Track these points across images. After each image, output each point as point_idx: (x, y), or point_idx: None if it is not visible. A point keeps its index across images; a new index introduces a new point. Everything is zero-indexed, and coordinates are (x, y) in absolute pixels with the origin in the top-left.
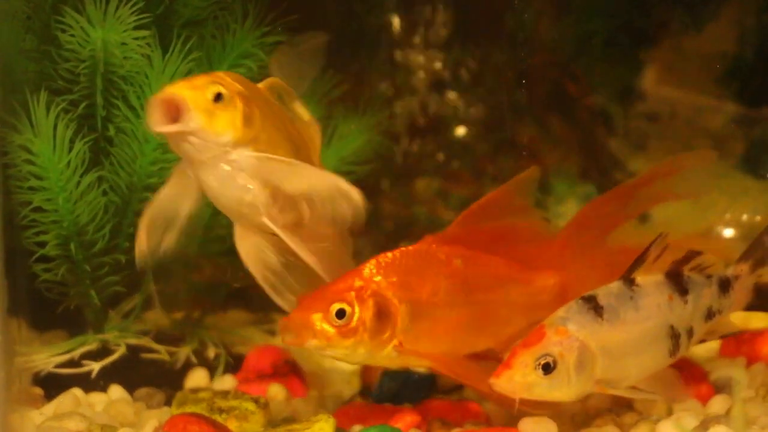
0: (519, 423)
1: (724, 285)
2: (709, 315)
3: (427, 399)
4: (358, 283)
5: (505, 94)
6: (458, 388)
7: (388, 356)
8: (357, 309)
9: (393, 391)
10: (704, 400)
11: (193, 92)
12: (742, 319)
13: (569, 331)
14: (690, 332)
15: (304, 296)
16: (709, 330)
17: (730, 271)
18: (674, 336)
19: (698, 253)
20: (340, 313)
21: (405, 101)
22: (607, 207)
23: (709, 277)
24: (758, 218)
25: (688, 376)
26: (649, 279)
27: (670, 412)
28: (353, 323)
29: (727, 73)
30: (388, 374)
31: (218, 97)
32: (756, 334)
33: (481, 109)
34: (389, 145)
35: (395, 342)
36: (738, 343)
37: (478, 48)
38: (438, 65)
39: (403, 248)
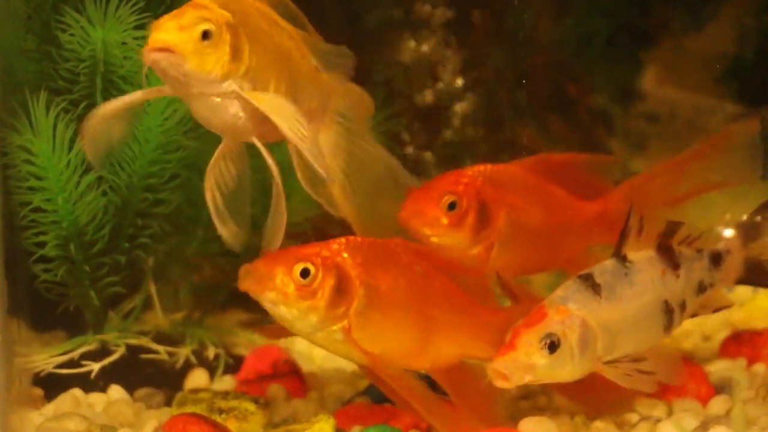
0: (519, 423)
1: (716, 259)
2: (701, 289)
3: None
4: (325, 252)
5: (505, 94)
6: None
7: (331, 336)
8: (321, 274)
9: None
10: (704, 400)
11: (180, 34)
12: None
13: (570, 310)
14: (683, 306)
15: (273, 250)
16: (702, 304)
17: (721, 245)
18: (668, 311)
19: (679, 224)
20: (304, 273)
21: (403, 101)
22: (659, 179)
23: (700, 251)
24: (758, 219)
25: (689, 376)
26: (642, 255)
27: (670, 413)
28: (314, 285)
29: (727, 73)
30: None
31: (205, 35)
32: (756, 334)
33: (481, 109)
34: (389, 145)
35: (345, 323)
36: (738, 344)
37: (477, 48)
38: (437, 65)
39: (372, 239)
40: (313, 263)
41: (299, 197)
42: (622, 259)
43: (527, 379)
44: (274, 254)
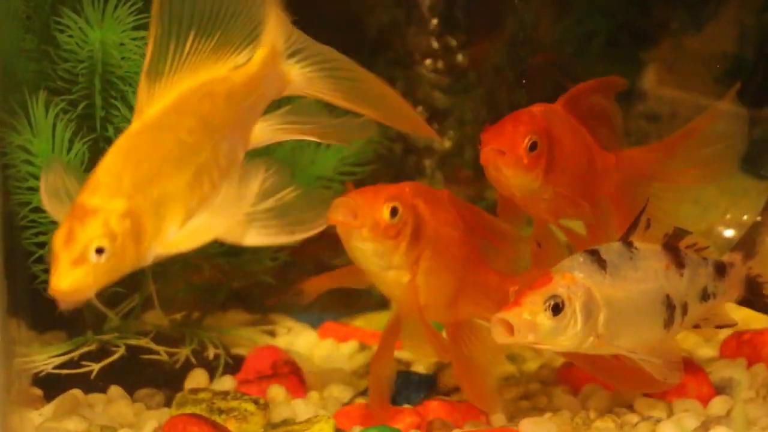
0: (519, 423)
1: (720, 269)
2: (705, 296)
3: (427, 399)
4: (405, 194)
5: (505, 94)
6: (458, 388)
7: (400, 277)
8: (405, 214)
9: (393, 391)
10: (705, 400)
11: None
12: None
13: (576, 278)
14: (685, 307)
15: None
16: (705, 315)
17: (726, 258)
18: (670, 306)
19: (687, 232)
20: (394, 211)
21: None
22: (652, 153)
23: (705, 258)
24: (759, 219)
25: (689, 376)
26: (647, 245)
27: (670, 413)
28: (399, 225)
29: (727, 73)
30: None
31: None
32: (756, 335)
33: (481, 108)
34: (389, 146)
35: (415, 265)
36: (738, 344)
37: (477, 48)
38: (437, 65)
39: (428, 187)
40: (401, 203)
41: None
42: (629, 244)
43: (530, 338)
44: (364, 191)
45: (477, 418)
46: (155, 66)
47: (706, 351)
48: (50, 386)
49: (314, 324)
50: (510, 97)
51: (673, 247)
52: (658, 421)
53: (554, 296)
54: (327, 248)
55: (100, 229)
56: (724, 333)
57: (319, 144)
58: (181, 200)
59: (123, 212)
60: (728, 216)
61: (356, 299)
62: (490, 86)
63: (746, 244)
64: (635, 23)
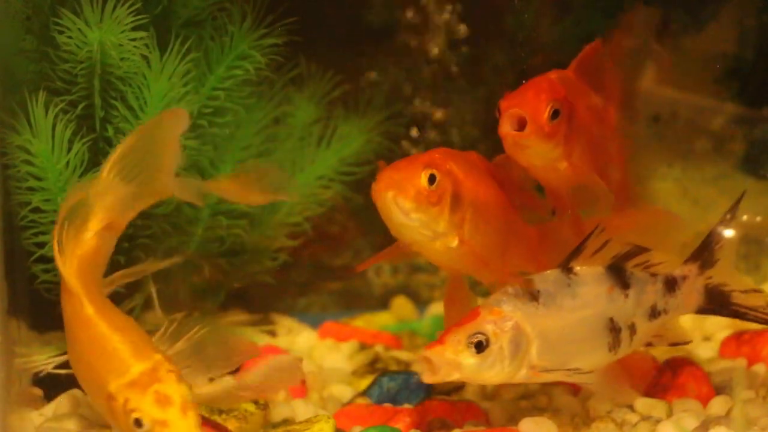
0: (519, 423)
1: (671, 284)
2: (654, 313)
3: (427, 399)
4: (440, 159)
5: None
6: (458, 388)
7: (447, 243)
8: (443, 180)
9: (393, 391)
10: (704, 400)
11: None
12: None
13: (504, 312)
14: (632, 328)
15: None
16: (657, 333)
17: (677, 271)
18: (614, 329)
19: (644, 250)
20: (432, 179)
21: (404, 101)
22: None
23: (654, 275)
24: (758, 219)
25: (689, 376)
26: (589, 269)
27: (670, 413)
28: (439, 191)
29: (727, 73)
30: (388, 375)
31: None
32: (756, 335)
33: (481, 108)
34: (389, 146)
35: (462, 230)
36: (738, 344)
37: (477, 48)
38: (437, 65)
39: (456, 151)
40: (438, 169)
41: (299, 197)
42: (568, 270)
43: (455, 376)
44: (398, 165)
45: (477, 417)
46: None
47: (706, 351)
48: (50, 386)
49: (314, 324)
50: None
51: (619, 268)
52: (658, 421)
53: (478, 333)
54: (327, 248)
55: None
56: (724, 333)
57: (319, 143)
58: None
59: None
60: (728, 216)
61: (356, 299)
62: (488, 86)
63: (702, 255)
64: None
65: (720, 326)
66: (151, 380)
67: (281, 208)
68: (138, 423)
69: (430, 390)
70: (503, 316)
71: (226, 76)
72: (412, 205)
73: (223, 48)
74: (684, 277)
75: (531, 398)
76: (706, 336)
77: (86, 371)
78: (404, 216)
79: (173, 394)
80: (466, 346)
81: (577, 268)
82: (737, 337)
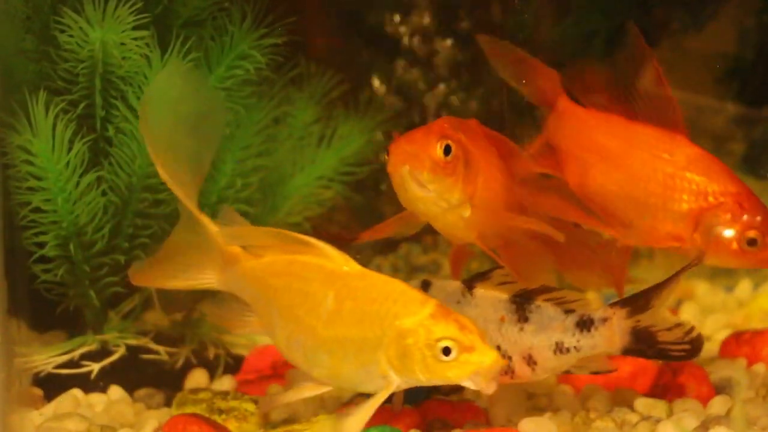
0: (519, 423)
1: (585, 324)
2: (560, 349)
3: (428, 399)
4: (450, 130)
5: (505, 94)
6: (458, 389)
7: (459, 213)
8: (457, 150)
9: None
10: (704, 400)
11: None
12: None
13: None
14: (529, 359)
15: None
16: (575, 364)
17: (598, 313)
18: (502, 356)
19: (554, 289)
20: (447, 149)
21: (404, 101)
22: None
23: (568, 311)
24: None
25: (689, 376)
26: (489, 294)
27: (670, 413)
28: (454, 161)
29: (727, 73)
30: None
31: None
32: (756, 335)
33: (480, 108)
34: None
35: (474, 200)
36: (738, 344)
37: (477, 47)
38: (436, 65)
39: (452, 117)
40: (452, 139)
41: (299, 197)
42: (470, 287)
43: None
44: (412, 136)
45: (477, 417)
46: None
47: (706, 351)
48: (50, 386)
49: None
50: (510, 96)
51: (523, 300)
52: (658, 420)
53: None
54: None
55: None
56: (724, 333)
57: (319, 143)
58: None
59: None
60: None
61: None
62: (488, 86)
63: (636, 301)
64: (635, 23)
65: (720, 326)
66: (447, 312)
67: (281, 208)
68: (446, 351)
69: (430, 390)
70: None
71: (227, 75)
72: (429, 176)
73: (224, 48)
74: (604, 319)
75: (531, 398)
76: (706, 336)
77: (342, 328)
78: (421, 188)
79: (468, 324)
80: None
81: (480, 291)
82: (737, 337)
